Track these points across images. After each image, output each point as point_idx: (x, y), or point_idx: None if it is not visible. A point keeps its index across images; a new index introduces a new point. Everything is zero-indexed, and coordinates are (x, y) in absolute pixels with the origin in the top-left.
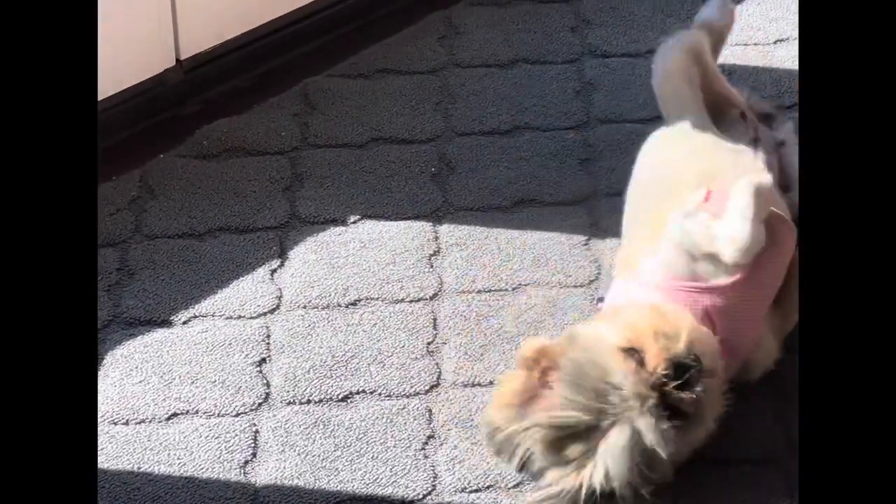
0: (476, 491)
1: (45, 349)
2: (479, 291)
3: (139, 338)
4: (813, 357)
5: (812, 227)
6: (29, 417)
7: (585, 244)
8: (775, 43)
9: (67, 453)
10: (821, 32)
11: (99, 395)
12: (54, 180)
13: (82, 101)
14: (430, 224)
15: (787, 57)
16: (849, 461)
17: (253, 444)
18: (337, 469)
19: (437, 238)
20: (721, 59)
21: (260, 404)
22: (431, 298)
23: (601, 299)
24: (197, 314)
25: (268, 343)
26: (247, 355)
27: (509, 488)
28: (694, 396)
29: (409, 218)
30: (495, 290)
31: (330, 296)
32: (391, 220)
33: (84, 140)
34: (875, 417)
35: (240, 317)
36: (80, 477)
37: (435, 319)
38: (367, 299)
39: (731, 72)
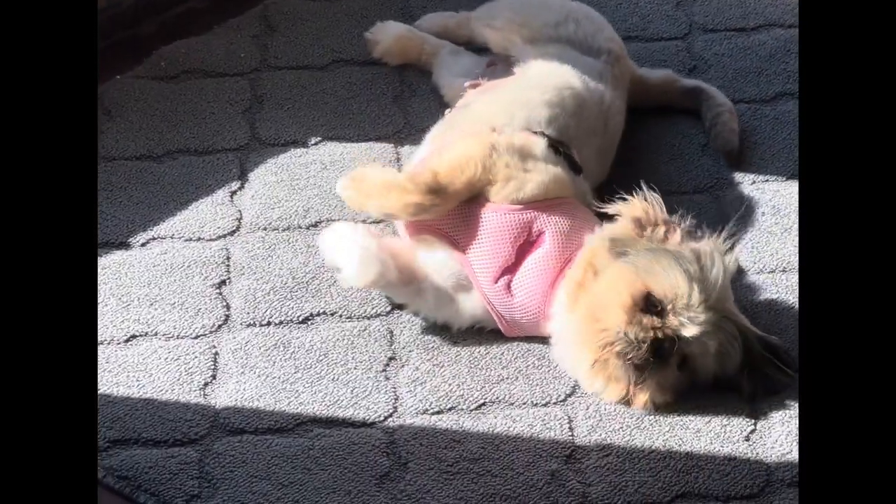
0: (438, 413)
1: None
2: None
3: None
4: (813, 357)
5: (811, 225)
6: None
7: None
8: None
9: (69, 376)
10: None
11: None
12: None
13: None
14: (392, 145)
15: None
16: (849, 461)
17: (213, 366)
18: (297, 391)
19: (398, 159)
20: None
21: (220, 326)
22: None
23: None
24: (156, 236)
25: (227, 265)
26: (206, 277)
27: (471, 410)
28: None
29: (370, 139)
30: None
31: (290, 217)
32: (352, 141)
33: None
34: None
35: (199, 238)
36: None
37: None
38: (328, 221)
39: None
